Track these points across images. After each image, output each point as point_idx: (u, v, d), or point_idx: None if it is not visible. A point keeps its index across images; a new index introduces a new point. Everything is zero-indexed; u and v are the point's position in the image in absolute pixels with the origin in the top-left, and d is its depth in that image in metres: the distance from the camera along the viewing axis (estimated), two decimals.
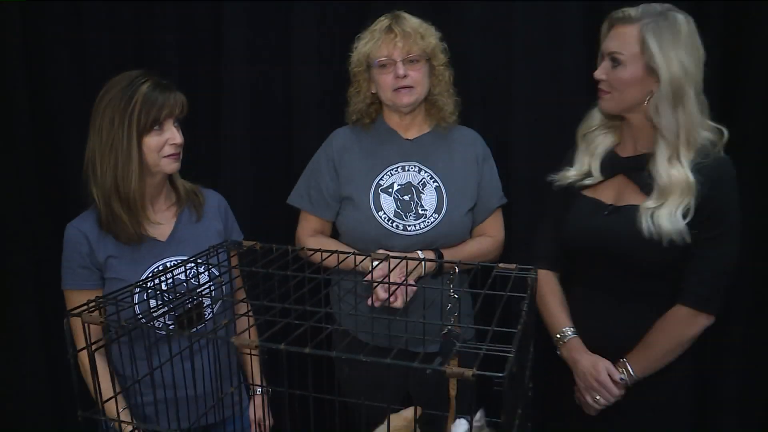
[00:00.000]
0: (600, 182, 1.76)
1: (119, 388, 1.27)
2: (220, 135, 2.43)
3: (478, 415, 1.18)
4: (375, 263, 1.64)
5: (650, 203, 1.62)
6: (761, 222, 2.16)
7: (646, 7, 1.63)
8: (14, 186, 2.16)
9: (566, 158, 1.87)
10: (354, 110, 2.00)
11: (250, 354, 1.75)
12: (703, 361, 2.26)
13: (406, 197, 1.91)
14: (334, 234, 2.06)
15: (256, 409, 1.84)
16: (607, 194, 1.75)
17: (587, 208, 1.75)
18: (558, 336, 1.79)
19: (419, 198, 1.91)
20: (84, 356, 1.61)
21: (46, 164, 2.26)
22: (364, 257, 1.52)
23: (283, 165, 2.46)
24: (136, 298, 1.56)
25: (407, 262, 1.56)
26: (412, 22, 1.89)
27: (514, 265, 1.24)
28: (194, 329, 1.67)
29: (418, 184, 1.93)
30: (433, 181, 1.93)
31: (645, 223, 1.60)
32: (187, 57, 2.43)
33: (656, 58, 1.58)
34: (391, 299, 1.73)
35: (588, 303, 1.78)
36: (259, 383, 1.81)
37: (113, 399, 1.18)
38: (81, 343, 1.18)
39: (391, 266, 1.50)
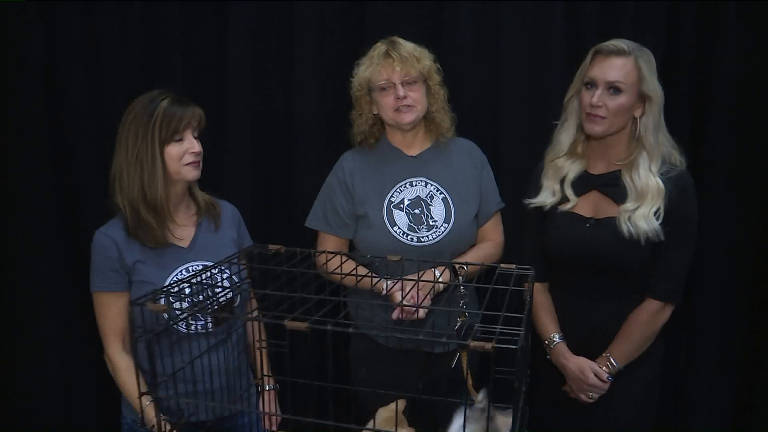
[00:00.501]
0: (576, 202, 1.94)
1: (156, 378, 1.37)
2: (223, 149, 2.55)
3: (481, 395, 1.32)
4: (391, 282, 1.77)
5: (628, 206, 1.82)
6: (726, 230, 2.37)
7: (630, 42, 1.84)
8: (32, 195, 2.26)
9: (533, 177, 2.05)
10: (359, 131, 2.12)
11: (261, 349, 1.85)
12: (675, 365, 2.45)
13: (417, 210, 2.04)
14: (351, 249, 2.17)
15: (266, 404, 1.95)
16: (584, 209, 1.93)
17: (567, 223, 1.93)
18: (546, 342, 1.99)
19: (429, 210, 2.04)
20: (113, 356, 1.77)
21: (61, 175, 2.36)
22: (378, 279, 1.66)
23: (282, 178, 2.59)
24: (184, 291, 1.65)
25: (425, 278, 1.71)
26: (407, 46, 2.03)
27: (514, 265, 1.39)
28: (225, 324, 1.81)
29: (426, 197, 2.06)
30: (440, 193, 2.07)
31: (625, 226, 1.81)
32: (192, 75, 2.55)
33: (650, 85, 1.80)
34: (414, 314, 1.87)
35: (573, 306, 1.97)
36: (268, 379, 1.93)
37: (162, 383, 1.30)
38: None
39: (407, 286, 1.66)
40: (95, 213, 2.28)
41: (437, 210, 2.05)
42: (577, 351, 1.94)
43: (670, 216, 1.81)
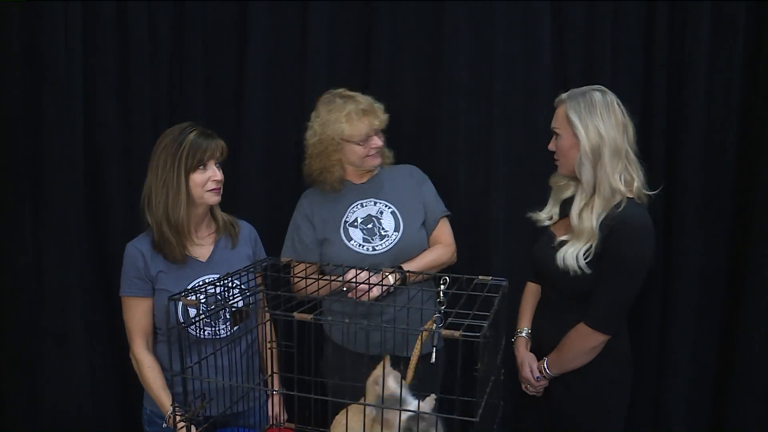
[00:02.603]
0: (558, 221, 2.16)
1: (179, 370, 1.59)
2: (239, 174, 2.79)
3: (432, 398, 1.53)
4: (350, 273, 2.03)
5: (565, 238, 2.01)
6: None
7: (573, 90, 2.05)
8: (68, 213, 2.51)
9: None
10: (321, 174, 2.36)
11: (270, 349, 2.05)
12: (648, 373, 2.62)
13: (369, 225, 2.35)
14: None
15: (273, 406, 2.19)
16: (560, 230, 2.12)
17: (547, 240, 2.15)
18: (516, 332, 2.24)
19: (380, 223, 2.35)
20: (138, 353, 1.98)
21: (92, 196, 2.62)
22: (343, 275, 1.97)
23: (293, 204, 2.83)
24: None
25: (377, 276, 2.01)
26: (369, 99, 2.33)
27: (490, 277, 1.61)
28: (236, 327, 2.05)
29: (376, 213, 2.37)
30: (388, 208, 2.37)
31: (558, 258, 1.99)
32: (213, 108, 2.83)
33: (576, 128, 1.97)
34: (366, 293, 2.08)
35: (541, 314, 2.21)
36: (276, 384, 2.11)
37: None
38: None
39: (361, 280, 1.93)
40: (120, 230, 2.56)
41: (387, 222, 2.35)
42: (538, 353, 2.16)
43: (604, 253, 1.93)
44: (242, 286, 1.80)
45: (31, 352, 2.51)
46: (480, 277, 1.63)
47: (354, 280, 1.95)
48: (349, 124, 2.26)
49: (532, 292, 2.29)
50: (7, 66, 2.39)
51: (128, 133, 2.65)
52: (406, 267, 2.26)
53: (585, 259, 1.94)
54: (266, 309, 1.98)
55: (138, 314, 2.03)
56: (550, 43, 2.62)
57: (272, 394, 2.17)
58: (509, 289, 1.62)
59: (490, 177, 2.67)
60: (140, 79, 2.65)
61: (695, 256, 2.55)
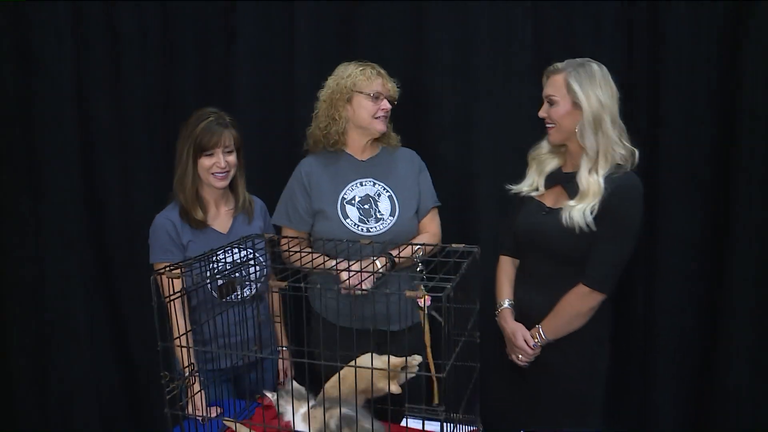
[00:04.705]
0: (545, 192, 2.22)
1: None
2: None
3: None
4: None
5: (572, 203, 2.07)
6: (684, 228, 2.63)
7: (570, 61, 2.12)
8: (66, 203, 2.64)
9: None
10: (324, 131, 2.38)
11: (280, 322, 2.33)
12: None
13: (366, 206, 2.37)
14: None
15: (283, 361, 2.40)
16: (549, 200, 2.20)
17: (531, 209, 2.22)
18: (497, 305, 2.28)
19: (377, 205, 2.37)
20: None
21: (89, 185, 2.72)
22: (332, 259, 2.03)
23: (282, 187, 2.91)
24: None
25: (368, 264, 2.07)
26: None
27: (462, 245, 1.67)
28: (229, 298, 2.20)
29: (374, 195, 2.39)
30: (386, 191, 2.40)
31: (564, 216, 2.06)
32: (202, 100, 2.86)
33: (578, 96, 2.05)
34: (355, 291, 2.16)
35: (526, 285, 2.24)
36: (285, 344, 2.37)
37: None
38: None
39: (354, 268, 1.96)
40: (117, 219, 2.66)
41: (384, 205, 2.38)
42: (524, 323, 2.20)
43: (605, 213, 2.01)
44: (237, 259, 1.92)
45: (37, 338, 2.62)
46: (453, 245, 1.69)
47: (342, 267, 2.02)
48: (364, 77, 2.33)
49: (509, 265, 2.33)
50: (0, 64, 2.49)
51: (122, 127, 2.75)
52: (394, 253, 2.29)
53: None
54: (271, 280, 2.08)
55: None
56: (531, 18, 2.69)
57: (282, 351, 2.37)
58: (492, 262, 1.70)
59: (474, 152, 2.76)
60: (131, 74, 2.75)
61: (678, 224, 2.62)
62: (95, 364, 2.73)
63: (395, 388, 1.66)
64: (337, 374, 1.60)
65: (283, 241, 2.10)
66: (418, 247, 1.93)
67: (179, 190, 2.22)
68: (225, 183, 2.24)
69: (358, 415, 1.52)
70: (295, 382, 1.64)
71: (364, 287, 2.13)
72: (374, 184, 2.40)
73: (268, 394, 1.62)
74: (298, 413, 1.57)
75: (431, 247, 2.25)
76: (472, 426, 1.74)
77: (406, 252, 2.27)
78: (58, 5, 2.55)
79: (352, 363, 1.61)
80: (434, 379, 1.64)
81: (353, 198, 2.38)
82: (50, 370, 2.67)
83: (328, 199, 2.37)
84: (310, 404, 1.59)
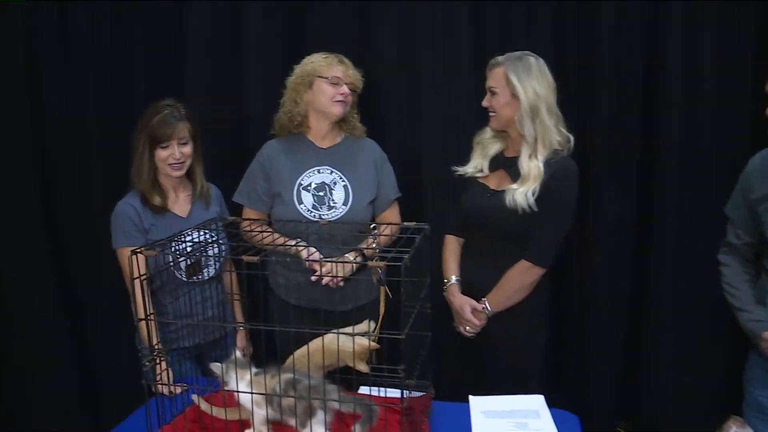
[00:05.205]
0: (488, 175, 2.39)
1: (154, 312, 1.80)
2: None
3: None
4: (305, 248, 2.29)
5: (514, 186, 2.24)
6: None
7: (509, 54, 2.29)
8: (19, 192, 2.70)
9: None
10: (288, 114, 2.50)
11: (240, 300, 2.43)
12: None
13: (321, 193, 2.47)
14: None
15: (240, 340, 2.52)
16: (492, 182, 2.37)
17: (477, 191, 2.38)
18: (445, 281, 2.43)
19: (331, 194, 2.47)
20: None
21: (42, 174, 2.77)
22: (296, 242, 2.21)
23: (233, 175, 2.97)
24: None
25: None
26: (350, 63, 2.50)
27: (414, 222, 1.81)
28: (196, 277, 2.30)
29: (330, 183, 2.49)
30: (342, 181, 2.50)
31: (508, 199, 2.22)
32: (154, 92, 2.94)
33: (516, 88, 2.23)
34: (331, 284, 2.35)
35: (473, 261, 2.40)
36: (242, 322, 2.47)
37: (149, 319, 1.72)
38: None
39: (324, 267, 2.21)
40: (71, 207, 2.74)
41: (338, 194, 2.48)
42: (470, 296, 2.36)
43: (545, 195, 2.18)
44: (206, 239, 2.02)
45: None
46: (404, 223, 1.83)
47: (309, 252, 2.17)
48: (326, 63, 2.44)
49: (454, 244, 2.48)
50: None
51: (74, 118, 2.80)
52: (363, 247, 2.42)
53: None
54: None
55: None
56: (470, 16, 2.85)
57: (239, 330, 2.50)
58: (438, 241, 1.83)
59: (419, 139, 2.92)
60: (82, 67, 2.80)
61: (610, 206, 2.84)
62: (53, 350, 2.78)
63: (363, 367, 1.77)
64: (306, 347, 1.71)
65: (245, 223, 2.20)
66: (374, 225, 2.05)
67: (136, 179, 2.30)
68: (181, 173, 2.32)
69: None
70: (238, 353, 1.73)
71: (339, 282, 2.31)
72: (331, 172, 2.50)
73: (214, 366, 1.70)
74: (242, 381, 1.64)
75: (386, 227, 2.38)
76: (425, 392, 1.87)
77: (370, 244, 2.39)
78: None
79: (319, 339, 1.74)
80: (377, 345, 1.78)
81: (309, 184, 2.47)
82: (9, 357, 2.71)
83: (286, 183, 2.47)
84: (254, 372, 1.67)
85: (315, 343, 1.74)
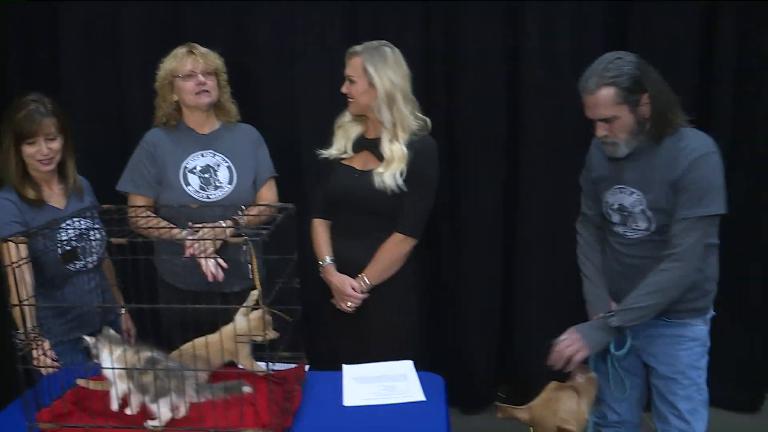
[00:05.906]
0: (353, 156, 2.50)
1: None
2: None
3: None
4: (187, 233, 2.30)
5: (380, 169, 2.38)
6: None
7: (367, 44, 2.41)
8: None
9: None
10: (161, 115, 2.57)
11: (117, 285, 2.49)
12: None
13: (207, 175, 2.55)
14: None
15: (124, 322, 2.55)
16: (357, 163, 2.49)
17: (344, 173, 2.49)
18: (320, 263, 2.53)
19: (216, 175, 2.55)
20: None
21: None
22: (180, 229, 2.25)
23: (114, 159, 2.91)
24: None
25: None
26: (203, 48, 2.55)
27: (279, 203, 1.92)
28: (74, 265, 2.31)
29: (214, 165, 2.57)
30: (225, 162, 2.58)
31: (377, 181, 2.36)
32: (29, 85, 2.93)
33: (373, 77, 2.36)
34: (218, 277, 2.39)
35: (345, 240, 2.51)
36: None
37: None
38: None
39: (200, 232, 2.23)
40: None
41: (222, 175, 2.57)
42: (346, 273, 2.46)
43: (411, 173, 2.33)
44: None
45: None
46: (272, 204, 1.95)
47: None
48: (176, 61, 2.49)
49: (322, 227, 2.58)
50: None
51: None
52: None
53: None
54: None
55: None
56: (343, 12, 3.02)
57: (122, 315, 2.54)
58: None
59: (298, 128, 3.06)
60: None
61: (479, 182, 3.05)
62: None
63: (273, 334, 1.83)
64: (204, 338, 1.83)
65: (131, 210, 2.25)
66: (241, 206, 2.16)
67: (4, 174, 2.26)
68: (50, 168, 2.30)
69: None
70: (111, 330, 1.77)
71: (220, 276, 2.36)
72: (214, 155, 2.57)
73: (87, 339, 1.73)
74: (113, 355, 1.68)
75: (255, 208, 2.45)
76: (297, 363, 1.98)
77: (248, 219, 2.43)
78: None
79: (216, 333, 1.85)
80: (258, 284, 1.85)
81: (195, 167, 2.54)
82: None
83: (171, 167, 2.53)
84: (123, 348, 1.71)
85: (212, 336, 1.85)
